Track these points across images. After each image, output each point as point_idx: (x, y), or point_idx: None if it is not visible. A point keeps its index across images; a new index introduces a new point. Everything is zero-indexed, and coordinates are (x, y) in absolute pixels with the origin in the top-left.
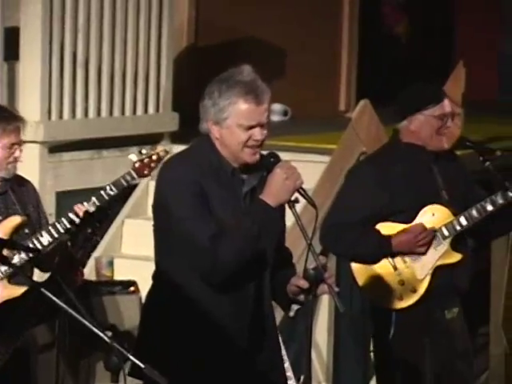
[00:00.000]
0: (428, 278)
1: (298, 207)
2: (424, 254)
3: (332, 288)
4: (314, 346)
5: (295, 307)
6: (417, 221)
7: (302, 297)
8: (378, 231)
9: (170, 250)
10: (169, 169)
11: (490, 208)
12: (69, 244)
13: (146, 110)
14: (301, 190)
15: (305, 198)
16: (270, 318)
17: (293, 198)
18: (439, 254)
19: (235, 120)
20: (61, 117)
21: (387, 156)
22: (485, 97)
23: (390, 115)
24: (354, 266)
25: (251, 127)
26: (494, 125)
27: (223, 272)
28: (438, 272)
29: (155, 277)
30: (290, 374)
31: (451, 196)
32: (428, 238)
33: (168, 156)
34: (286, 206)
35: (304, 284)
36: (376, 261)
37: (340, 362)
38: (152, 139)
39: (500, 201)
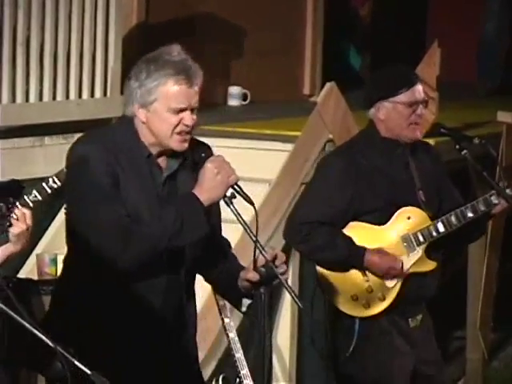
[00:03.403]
0: (398, 286)
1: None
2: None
3: (286, 283)
4: (275, 350)
5: (246, 302)
6: (391, 223)
7: (254, 291)
8: (351, 240)
9: (77, 234)
10: (80, 143)
11: (470, 215)
12: None
13: (92, 94)
14: (236, 187)
15: (240, 194)
16: (186, 317)
17: (229, 194)
18: (412, 261)
19: (164, 102)
20: None
21: (360, 149)
22: (463, 79)
23: (357, 100)
24: (320, 268)
25: (181, 110)
26: (471, 110)
27: (131, 260)
28: (409, 280)
29: (66, 259)
30: (248, 381)
31: (427, 196)
32: (397, 275)
33: None
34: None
35: (254, 277)
36: (342, 270)
37: (303, 368)
38: (99, 125)
39: (482, 208)
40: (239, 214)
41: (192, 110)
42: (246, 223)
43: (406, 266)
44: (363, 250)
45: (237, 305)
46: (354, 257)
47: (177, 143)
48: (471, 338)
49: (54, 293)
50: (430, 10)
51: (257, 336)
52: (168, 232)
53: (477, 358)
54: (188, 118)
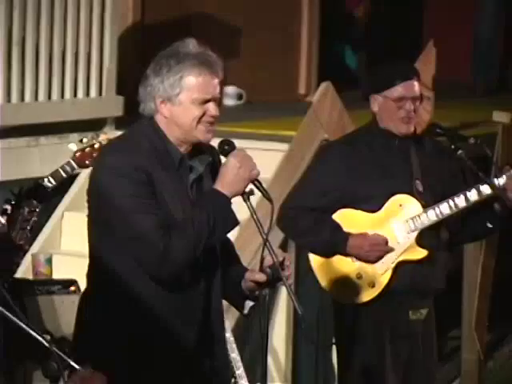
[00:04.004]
0: (389, 273)
1: (253, 199)
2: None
3: (290, 288)
4: (271, 350)
5: (249, 304)
6: (382, 210)
7: (258, 292)
8: (337, 225)
9: (109, 244)
10: (108, 154)
11: (461, 204)
12: (4, 226)
13: (87, 94)
14: (256, 182)
15: (260, 190)
16: (220, 317)
17: (247, 190)
18: (402, 249)
19: (189, 94)
20: None
21: (360, 139)
22: (459, 79)
23: (353, 99)
24: (311, 254)
25: (206, 101)
26: (467, 110)
27: (173, 266)
28: (402, 268)
29: (91, 275)
30: (244, 381)
31: (426, 186)
32: (381, 253)
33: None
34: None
35: (261, 278)
36: (326, 255)
37: (299, 367)
38: (94, 125)
39: (473, 197)
40: (255, 212)
41: (215, 101)
42: (260, 222)
43: (397, 252)
44: (347, 235)
45: (238, 307)
46: (337, 241)
47: (203, 134)
48: (467, 338)
49: (82, 310)
50: (425, 10)
51: (253, 336)
52: (204, 232)
53: (472, 357)
54: (213, 108)
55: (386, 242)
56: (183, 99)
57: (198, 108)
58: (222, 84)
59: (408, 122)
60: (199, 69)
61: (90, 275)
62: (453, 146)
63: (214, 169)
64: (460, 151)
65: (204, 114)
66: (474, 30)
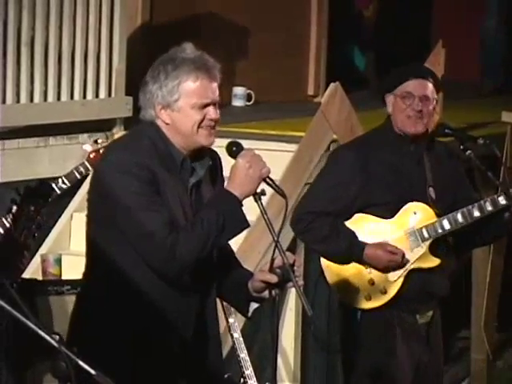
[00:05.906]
0: (401, 281)
1: (263, 198)
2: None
3: (300, 289)
4: (280, 351)
5: (254, 306)
6: (397, 217)
7: (266, 293)
8: (353, 233)
9: (111, 243)
10: (112, 152)
11: (476, 214)
12: (9, 225)
13: (96, 94)
14: (267, 179)
15: (272, 187)
16: (214, 315)
17: (259, 190)
18: (416, 257)
19: (187, 100)
20: (3, 101)
21: (374, 142)
22: (467, 79)
23: (362, 100)
24: (324, 259)
25: (205, 106)
26: (475, 110)
27: (180, 265)
28: (413, 275)
29: (90, 273)
30: (253, 382)
31: (438, 194)
32: (397, 265)
33: None
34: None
35: (272, 278)
36: (342, 263)
37: (308, 368)
38: (103, 126)
39: (489, 208)
40: (266, 212)
41: (215, 105)
42: (270, 223)
43: (410, 261)
44: (363, 244)
45: (243, 310)
46: (354, 250)
47: (204, 138)
48: (476, 338)
49: (79, 307)
50: (434, 11)
51: (261, 336)
52: (212, 233)
53: (481, 358)
54: (212, 112)
55: (403, 256)
56: (182, 105)
57: (198, 113)
58: (221, 87)
59: (414, 122)
60: (196, 74)
61: (88, 273)
62: (461, 147)
63: (214, 173)
64: (469, 151)
65: (204, 118)
66: (479, 30)
